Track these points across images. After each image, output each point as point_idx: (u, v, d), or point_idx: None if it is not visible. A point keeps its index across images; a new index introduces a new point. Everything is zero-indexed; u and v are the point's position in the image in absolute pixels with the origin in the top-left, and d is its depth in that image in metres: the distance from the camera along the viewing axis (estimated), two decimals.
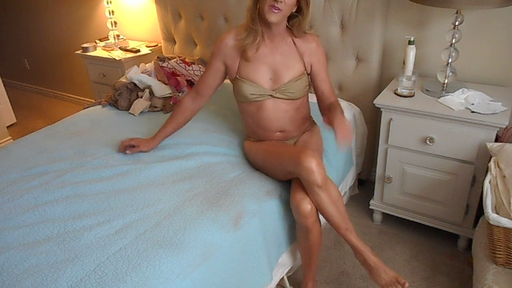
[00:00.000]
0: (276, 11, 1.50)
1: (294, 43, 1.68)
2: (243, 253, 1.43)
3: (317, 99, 1.78)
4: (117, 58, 2.86)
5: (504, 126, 1.70)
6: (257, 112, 1.71)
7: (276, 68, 1.67)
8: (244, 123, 1.86)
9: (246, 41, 1.62)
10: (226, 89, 2.50)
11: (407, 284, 1.46)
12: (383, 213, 2.19)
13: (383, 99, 1.92)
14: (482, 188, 1.46)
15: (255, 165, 1.77)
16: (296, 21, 1.62)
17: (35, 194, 1.57)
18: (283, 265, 1.71)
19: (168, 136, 1.85)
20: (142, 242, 1.31)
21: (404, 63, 1.93)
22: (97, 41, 3.18)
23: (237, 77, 1.70)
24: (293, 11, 1.59)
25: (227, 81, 2.59)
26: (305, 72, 1.71)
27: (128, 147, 1.81)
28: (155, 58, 2.61)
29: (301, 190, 1.51)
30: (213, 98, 2.38)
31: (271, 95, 1.67)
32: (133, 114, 2.23)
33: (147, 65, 2.52)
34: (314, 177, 1.45)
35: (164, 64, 2.47)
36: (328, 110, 1.65)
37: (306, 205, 1.50)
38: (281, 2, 1.49)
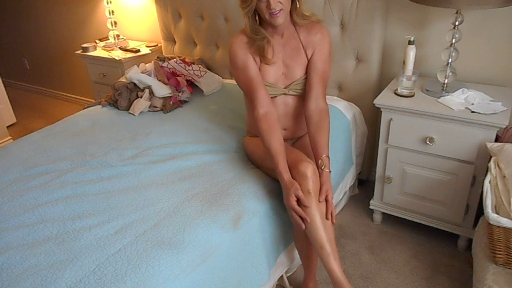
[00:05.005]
0: (277, 14, 1.50)
1: (299, 37, 1.66)
2: (242, 253, 1.43)
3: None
4: (117, 58, 2.85)
5: (504, 126, 1.69)
6: None
7: (288, 62, 1.67)
8: (247, 117, 1.83)
9: (260, 46, 1.61)
10: (226, 89, 2.50)
11: None
12: (383, 213, 2.18)
13: (383, 99, 1.92)
14: (482, 188, 1.46)
15: (251, 161, 1.77)
16: (293, 5, 1.58)
17: (35, 194, 1.57)
18: (282, 264, 1.71)
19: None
20: (141, 243, 1.31)
21: (404, 63, 1.93)
22: (97, 41, 3.18)
23: None
24: None
25: (227, 80, 2.61)
26: None
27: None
28: (155, 58, 2.61)
29: None
30: (212, 97, 2.39)
31: (284, 93, 1.69)
32: (133, 114, 2.23)
33: (147, 65, 2.52)
34: (307, 182, 1.44)
35: (164, 64, 2.47)
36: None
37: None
38: (276, 4, 1.48)
